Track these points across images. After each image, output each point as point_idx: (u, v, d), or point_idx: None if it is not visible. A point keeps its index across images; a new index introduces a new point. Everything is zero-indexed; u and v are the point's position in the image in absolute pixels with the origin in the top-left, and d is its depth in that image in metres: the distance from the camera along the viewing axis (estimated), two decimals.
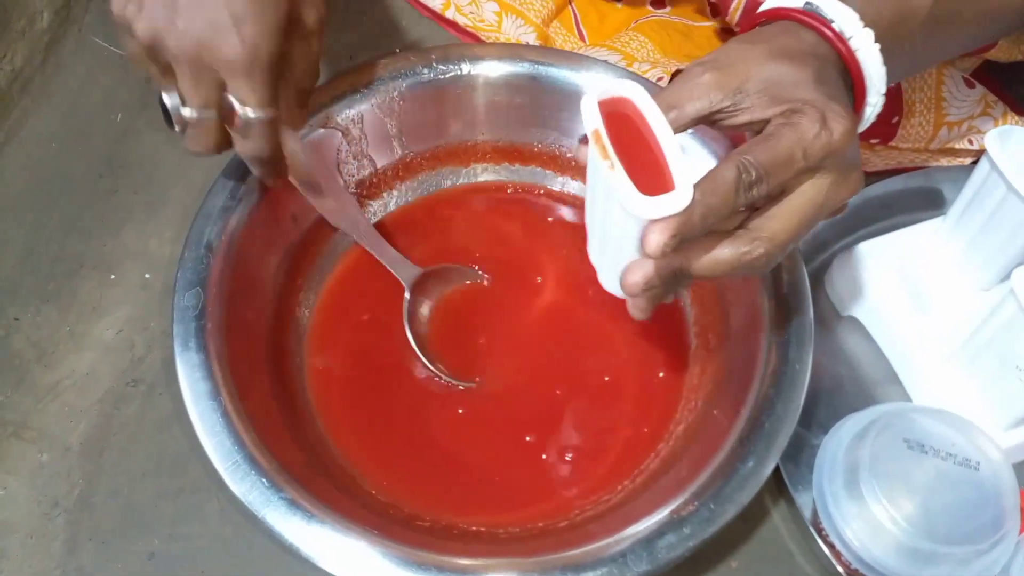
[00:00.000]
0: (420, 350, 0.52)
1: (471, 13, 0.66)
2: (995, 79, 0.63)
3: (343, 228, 0.54)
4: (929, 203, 0.59)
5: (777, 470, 0.46)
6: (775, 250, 0.38)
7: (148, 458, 0.52)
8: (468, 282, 0.55)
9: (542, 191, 0.60)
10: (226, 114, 0.43)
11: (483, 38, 0.66)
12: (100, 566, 0.49)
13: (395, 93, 0.56)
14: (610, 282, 0.41)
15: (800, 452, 0.50)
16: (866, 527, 0.45)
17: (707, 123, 0.39)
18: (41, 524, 0.50)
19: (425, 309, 0.54)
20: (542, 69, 0.56)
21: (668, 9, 0.66)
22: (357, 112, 0.55)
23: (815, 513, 0.47)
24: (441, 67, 0.56)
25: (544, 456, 0.50)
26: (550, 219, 0.59)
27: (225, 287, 0.49)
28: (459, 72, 0.56)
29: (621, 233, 0.37)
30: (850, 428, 0.47)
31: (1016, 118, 0.61)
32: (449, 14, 0.67)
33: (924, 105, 0.60)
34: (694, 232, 0.36)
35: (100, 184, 0.62)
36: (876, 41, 0.40)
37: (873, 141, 0.60)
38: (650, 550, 0.41)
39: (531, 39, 0.64)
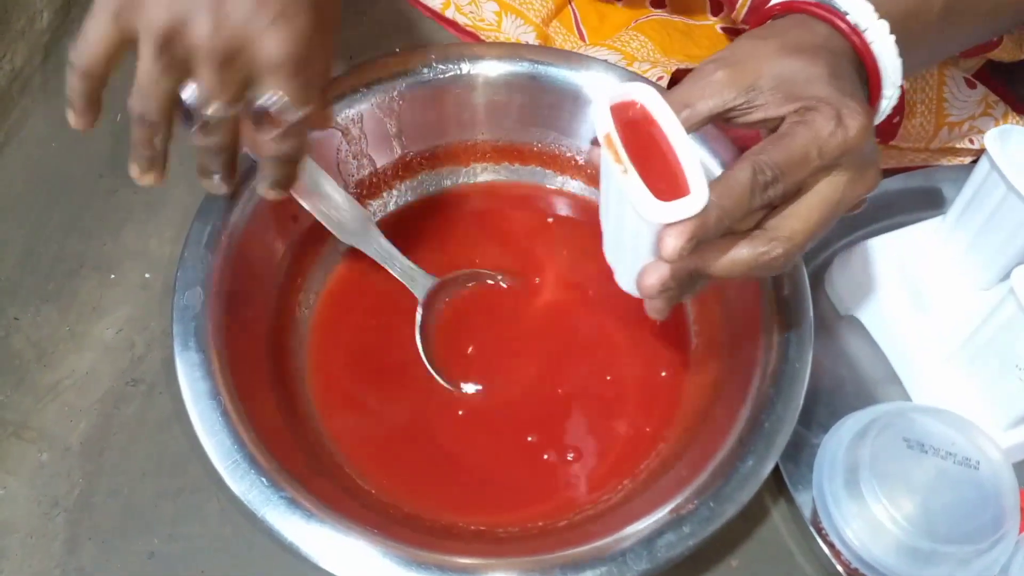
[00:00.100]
0: (425, 355, 0.52)
1: (471, 13, 0.66)
2: (996, 79, 0.63)
3: (351, 242, 0.53)
4: (929, 203, 0.59)
5: (777, 469, 0.46)
6: (793, 250, 0.38)
7: (148, 458, 0.52)
8: (472, 284, 0.55)
9: (542, 191, 0.60)
10: (256, 115, 0.41)
11: (483, 38, 0.66)
12: (100, 566, 0.49)
13: (395, 93, 0.56)
14: (626, 283, 0.41)
15: (800, 451, 0.50)
16: (866, 526, 0.45)
17: (720, 121, 0.39)
18: (41, 524, 0.50)
19: (431, 315, 0.53)
20: (542, 69, 0.56)
21: (668, 8, 0.66)
22: (357, 112, 0.55)
23: (815, 512, 0.47)
24: (441, 67, 0.56)
25: (545, 456, 0.50)
26: (550, 219, 0.59)
27: (225, 287, 0.49)
28: (459, 72, 0.56)
29: (636, 236, 0.37)
30: (850, 427, 0.47)
31: (1017, 118, 0.61)
32: (449, 13, 0.67)
33: (925, 106, 0.60)
34: (710, 235, 0.35)
35: (100, 184, 0.62)
36: (891, 33, 0.39)
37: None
38: (650, 549, 0.41)
39: (531, 39, 0.64)
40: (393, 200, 0.59)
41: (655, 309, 0.40)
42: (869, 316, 0.54)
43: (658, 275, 0.37)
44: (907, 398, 0.53)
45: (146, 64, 0.41)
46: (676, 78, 0.60)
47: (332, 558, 0.41)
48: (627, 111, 0.36)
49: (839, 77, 0.38)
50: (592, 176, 0.59)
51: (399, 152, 0.58)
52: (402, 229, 0.57)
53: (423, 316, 0.52)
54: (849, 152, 0.37)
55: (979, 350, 0.48)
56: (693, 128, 0.38)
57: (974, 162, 0.53)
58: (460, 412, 0.51)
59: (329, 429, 0.50)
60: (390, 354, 0.53)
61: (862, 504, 0.45)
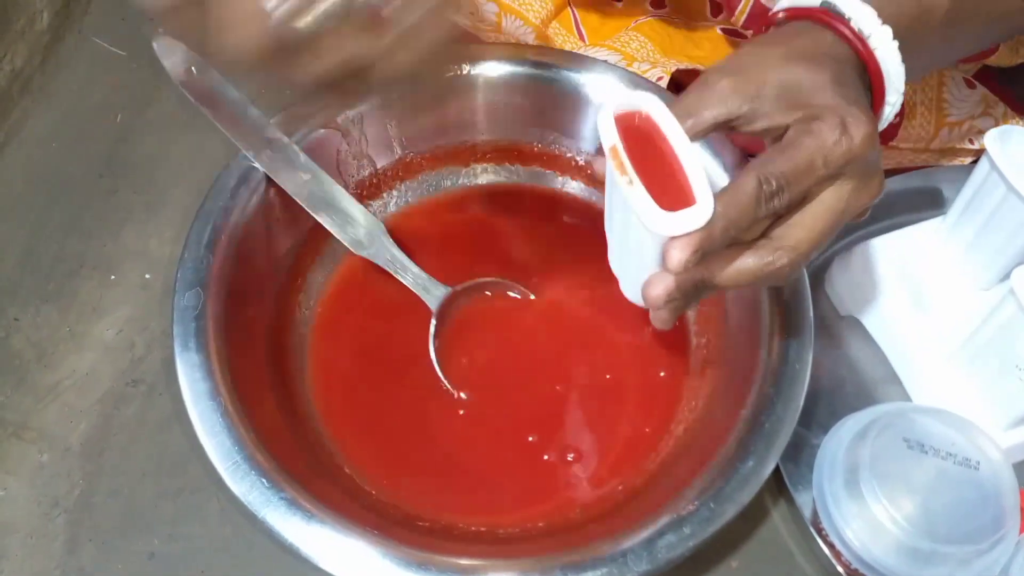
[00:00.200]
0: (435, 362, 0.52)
1: (471, 14, 0.66)
2: (996, 80, 0.63)
3: (364, 254, 0.53)
4: (929, 203, 0.59)
5: (777, 470, 0.46)
6: (799, 259, 0.38)
7: (148, 458, 0.52)
8: (483, 293, 0.55)
9: (542, 191, 0.60)
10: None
11: (482, 38, 0.66)
12: (100, 566, 0.49)
13: (395, 93, 0.56)
14: (631, 292, 0.41)
15: (800, 452, 0.50)
16: (866, 527, 0.45)
17: (725, 130, 0.39)
18: (41, 524, 0.50)
19: (439, 323, 0.53)
20: (542, 69, 0.56)
21: (668, 9, 0.66)
22: (357, 112, 0.55)
23: (815, 513, 0.47)
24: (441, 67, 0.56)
25: (545, 456, 0.50)
26: (550, 219, 0.59)
27: (225, 287, 0.49)
28: (459, 72, 0.56)
29: (640, 246, 0.37)
30: (850, 428, 0.47)
31: (1017, 118, 0.61)
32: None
33: (925, 106, 0.60)
34: (715, 246, 0.35)
35: (100, 184, 0.62)
36: (894, 39, 0.39)
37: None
38: (650, 550, 0.41)
39: (530, 40, 0.64)
40: (393, 201, 0.59)
41: (660, 319, 0.40)
42: (869, 316, 0.54)
43: (663, 286, 0.37)
44: (907, 398, 0.53)
45: None
46: (676, 79, 0.60)
47: (332, 559, 0.41)
48: (632, 121, 0.36)
49: (843, 84, 0.38)
50: (592, 177, 0.59)
51: (399, 153, 0.58)
52: (402, 230, 0.57)
53: (437, 327, 0.52)
54: (854, 161, 0.37)
55: (979, 350, 0.48)
56: (698, 137, 0.38)
57: (974, 162, 0.53)
58: (460, 412, 0.51)
59: (329, 430, 0.50)
60: (391, 354, 0.53)
61: (862, 504, 0.45)
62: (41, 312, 0.57)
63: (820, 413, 0.52)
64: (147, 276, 0.59)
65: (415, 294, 0.53)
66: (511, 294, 0.55)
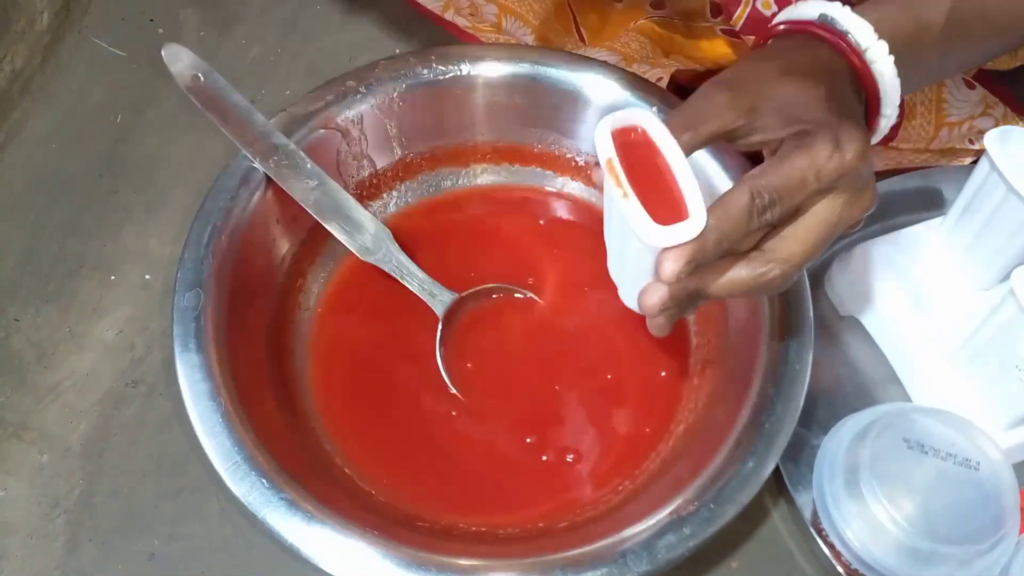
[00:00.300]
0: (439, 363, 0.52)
1: (471, 15, 0.66)
2: (995, 81, 0.62)
3: (371, 260, 0.53)
4: (929, 203, 0.59)
5: (777, 470, 0.46)
6: (791, 270, 0.39)
7: (148, 459, 0.52)
8: (490, 298, 0.55)
9: (542, 192, 0.60)
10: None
11: (483, 39, 0.66)
12: (100, 566, 0.49)
13: (395, 94, 0.56)
14: (629, 299, 0.42)
15: (800, 452, 0.50)
16: (866, 527, 0.45)
17: (723, 141, 0.39)
18: (41, 525, 0.50)
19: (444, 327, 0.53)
20: (542, 69, 0.56)
21: (668, 10, 0.66)
22: (357, 113, 0.55)
23: (815, 513, 0.47)
24: (441, 68, 0.56)
25: (545, 456, 0.50)
26: (550, 220, 0.59)
27: (225, 288, 0.49)
28: (459, 73, 0.56)
29: (637, 257, 0.38)
30: (850, 428, 0.47)
31: (1016, 118, 0.61)
32: (448, 16, 0.67)
33: (925, 107, 0.60)
34: (708, 258, 0.36)
35: (100, 185, 0.62)
36: (891, 54, 0.40)
37: (874, 142, 0.60)
38: (650, 550, 0.41)
39: (530, 40, 0.64)
40: (393, 201, 0.59)
41: (656, 326, 0.40)
42: (869, 317, 0.54)
43: (658, 295, 0.37)
44: (907, 399, 0.53)
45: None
46: (676, 79, 0.60)
47: (332, 559, 0.41)
48: (629, 135, 0.37)
49: (838, 100, 0.38)
50: (592, 178, 0.59)
51: (399, 153, 0.58)
52: (402, 230, 0.57)
53: (442, 332, 0.52)
54: (846, 175, 0.37)
55: (979, 350, 0.48)
56: (695, 149, 0.39)
57: (974, 162, 0.53)
58: (460, 413, 0.51)
59: (329, 430, 0.50)
60: (391, 354, 0.53)
61: (862, 505, 0.45)
62: (41, 312, 0.57)
63: (820, 413, 0.52)
64: (147, 276, 0.59)
65: (415, 294, 0.53)
66: (514, 296, 0.55)
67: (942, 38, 0.43)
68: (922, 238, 0.55)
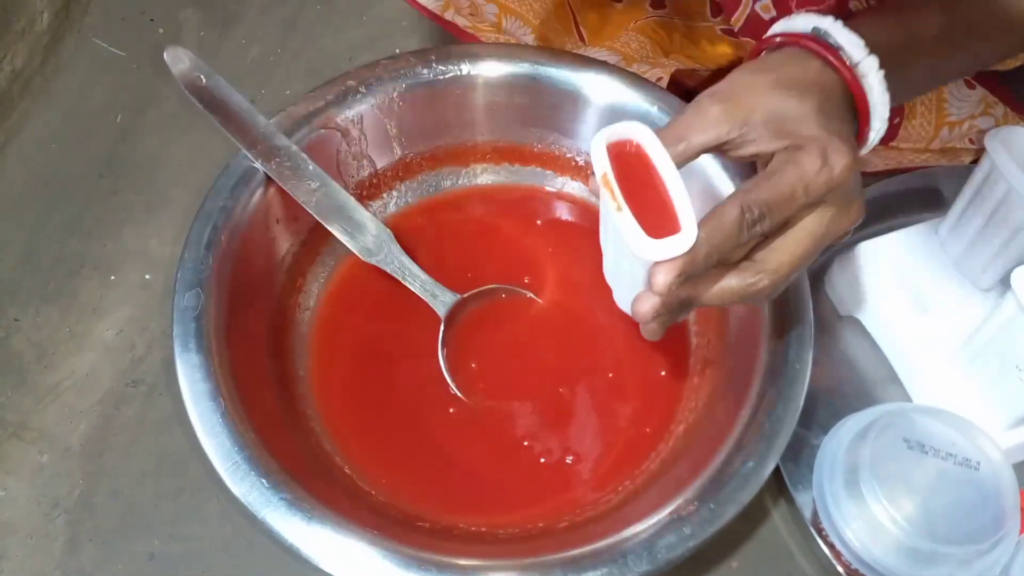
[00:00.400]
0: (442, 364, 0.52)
1: (471, 15, 0.66)
2: (995, 81, 0.62)
3: (373, 261, 0.53)
4: (929, 203, 0.59)
5: (777, 470, 0.46)
6: (779, 281, 0.40)
7: (148, 459, 0.52)
8: (489, 299, 0.55)
9: (542, 192, 0.60)
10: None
11: (482, 39, 0.66)
12: (100, 566, 0.49)
13: (395, 94, 0.56)
14: (623, 303, 0.43)
15: (800, 452, 0.50)
16: (866, 527, 0.45)
17: (715, 152, 0.40)
18: (42, 525, 0.50)
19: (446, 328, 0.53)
20: (542, 69, 0.56)
21: (668, 10, 0.66)
22: (356, 113, 0.55)
23: (815, 513, 0.47)
24: (441, 67, 0.56)
25: (545, 456, 0.50)
26: (550, 220, 0.59)
27: (225, 288, 0.49)
28: (459, 72, 0.56)
29: (631, 266, 0.39)
30: (850, 428, 0.47)
31: (1017, 118, 0.61)
32: (449, 15, 0.67)
33: (925, 106, 0.60)
34: (698, 270, 0.37)
35: (101, 185, 0.63)
36: (881, 68, 0.40)
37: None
38: (650, 550, 0.41)
39: (530, 40, 0.64)
40: (393, 201, 0.59)
41: (649, 332, 0.41)
42: (869, 317, 0.54)
43: (650, 304, 0.38)
44: (907, 399, 0.53)
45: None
46: (676, 79, 0.60)
47: (332, 559, 0.41)
48: (624, 148, 0.38)
49: (828, 115, 0.39)
50: (589, 185, 0.59)
51: (399, 153, 0.58)
52: (402, 230, 0.57)
53: (444, 333, 0.52)
54: (834, 190, 0.38)
55: (979, 350, 0.48)
56: (688, 160, 0.40)
57: (974, 162, 0.53)
58: (460, 412, 0.51)
59: (329, 430, 0.50)
60: (391, 354, 0.53)
61: (862, 505, 0.45)
62: (41, 312, 0.57)
63: (820, 413, 0.52)
64: (147, 276, 0.59)
65: (415, 294, 0.53)
66: (514, 296, 0.55)
67: (934, 51, 0.44)
68: (922, 238, 0.55)
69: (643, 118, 0.54)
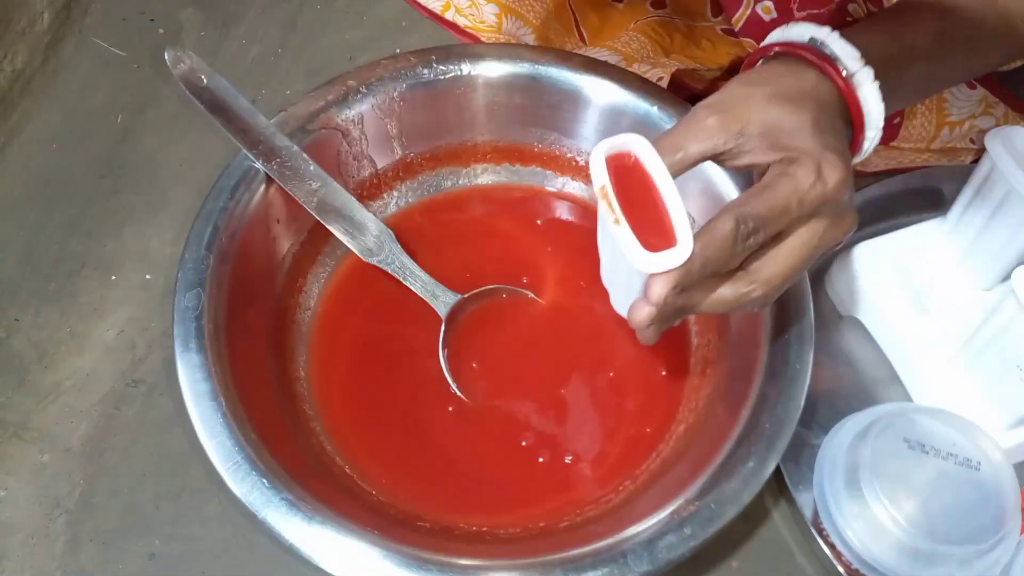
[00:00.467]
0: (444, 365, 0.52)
1: (471, 15, 0.66)
2: (996, 81, 0.62)
3: (374, 262, 0.53)
4: (929, 203, 0.59)
5: (778, 470, 0.46)
6: (773, 291, 0.40)
7: (149, 459, 0.52)
8: (489, 299, 0.55)
9: (542, 192, 0.60)
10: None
11: (483, 39, 0.66)
12: (101, 566, 0.49)
13: (395, 94, 0.56)
14: (620, 308, 0.43)
15: (800, 452, 0.50)
16: (867, 527, 0.45)
17: (711, 162, 0.41)
18: (42, 525, 0.50)
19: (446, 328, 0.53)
20: (542, 69, 0.56)
21: (668, 9, 0.66)
22: (357, 113, 0.55)
23: (815, 513, 0.47)
24: (441, 67, 0.56)
25: (546, 456, 0.50)
26: (550, 220, 0.59)
27: (226, 288, 0.49)
28: (459, 72, 0.56)
29: (627, 274, 0.39)
30: (851, 428, 0.47)
31: (1017, 118, 0.61)
32: (449, 15, 0.67)
33: (926, 107, 0.60)
34: (693, 281, 0.38)
35: (101, 185, 0.62)
36: (877, 78, 0.41)
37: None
38: (651, 550, 0.41)
39: (530, 40, 0.64)
40: (393, 201, 0.59)
41: (644, 337, 0.42)
42: (870, 316, 0.54)
43: (646, 311, 0.39)
44: (908, 398, 0.53)
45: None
46: (676, 79, 0.60)
47: (333, 559, 0.41)
48: (622, 160, 0.39)
49: (823, 128, 0.40)
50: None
51: (400, 153, 0.58)
52: (402, 230, 0.57)
53: (444, 333, 0.52)
54: (827, 203, 0.39)
55: (980, 350, 0.48)
56: (685, 169, 0.40)
57: (974, 162, 0.53)
58: (461, 412, 0.51)
59: (330, 430, 0.50)
60: (391, 354, 0.53)
61: (863, 505, 0.45)
62: (42, 312, 0.57)
63: (820, 413, 0.52)
64: (148, 276, 0.59)
65: (415, 294, 0.53)
66: (515, 296, 0.55)
67: (929, 60, 0.45)
68: (923, 238, 0.55)
69: (643, 118, 0.55)
